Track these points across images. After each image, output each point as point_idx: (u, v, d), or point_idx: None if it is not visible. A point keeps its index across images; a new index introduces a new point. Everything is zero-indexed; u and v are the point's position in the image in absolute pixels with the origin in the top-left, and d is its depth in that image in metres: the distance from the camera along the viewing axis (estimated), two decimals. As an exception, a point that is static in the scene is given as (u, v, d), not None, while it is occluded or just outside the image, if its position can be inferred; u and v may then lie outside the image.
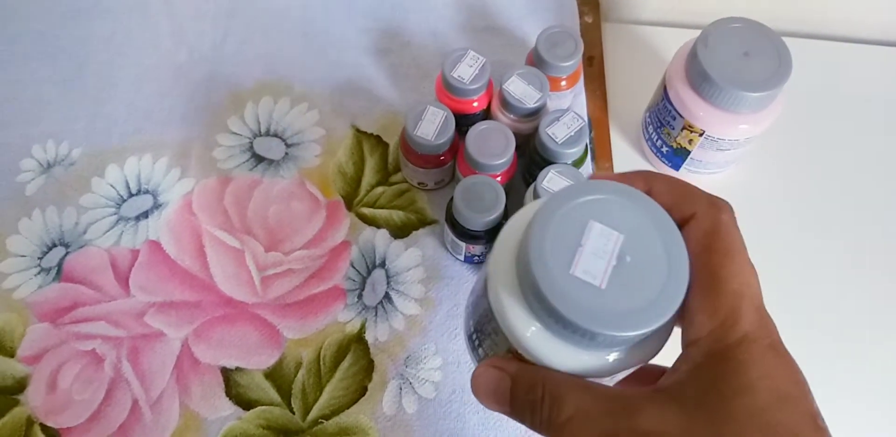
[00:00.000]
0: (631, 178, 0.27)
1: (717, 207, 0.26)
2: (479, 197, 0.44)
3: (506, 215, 0.46)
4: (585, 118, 0.48)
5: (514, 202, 0.51)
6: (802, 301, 0.50)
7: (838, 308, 0.50)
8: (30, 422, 0.45)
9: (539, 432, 0.26)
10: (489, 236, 0.46)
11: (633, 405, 0.24)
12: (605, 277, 0.25)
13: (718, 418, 0.23)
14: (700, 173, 0.52)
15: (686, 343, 0.26)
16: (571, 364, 0.26)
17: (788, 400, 0.24)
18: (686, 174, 0.52)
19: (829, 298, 0.50)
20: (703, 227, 0.26)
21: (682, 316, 0.26)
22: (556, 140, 0.46)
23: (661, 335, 0.26)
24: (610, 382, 0.28)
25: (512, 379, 0.26)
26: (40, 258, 0.49)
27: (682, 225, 0.26)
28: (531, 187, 0.46)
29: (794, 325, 0.49)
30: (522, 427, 0.44)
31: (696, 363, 0.25)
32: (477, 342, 0.30)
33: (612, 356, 0.26)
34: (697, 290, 0.25)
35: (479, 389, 0.27)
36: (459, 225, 0.45)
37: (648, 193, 0.27)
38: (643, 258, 0.25)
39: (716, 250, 0.25)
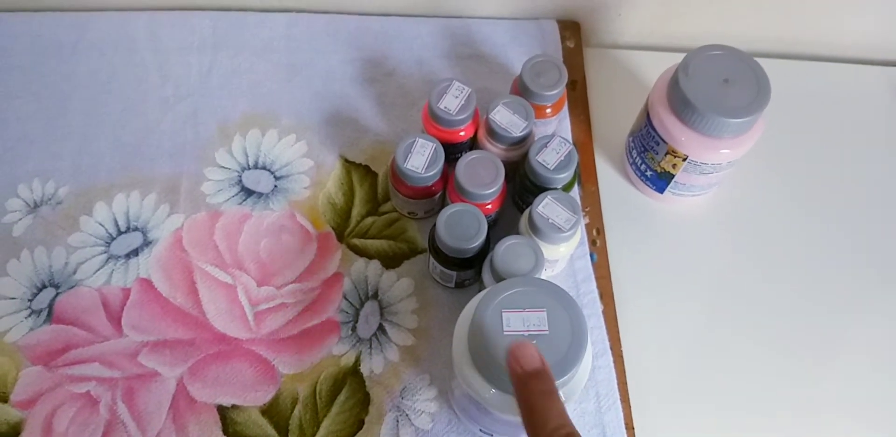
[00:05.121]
0: None
1: None
2: (462, 225, 0.45)
3: (489, 242, 0.46)
4: (571, 143, 0.49)
5: (505, 228, 0.51)
6: (787, 318, 0.51)
7: (822, 324, 0.51)
8: (26, 468, 0.44)
9: None
10: (476, 260, 0.46)
11: None
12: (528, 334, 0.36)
13: None
14: (684, 196, 0.53)
15: None
16: None
17: None
18: (670, 197, 0.53)
19: (814, 315, 0.51)
20: None
21: None
22: (548, 166, 0.47)
23: (577, 382, 0.38)
24: None
25: None
26: (30, 300, 0.49)
27: None
28: (526, 213, 0.46)
29: (777, 342, 0.50)
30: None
31: None
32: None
33: None
34: None
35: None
36: (444, 254, 0.46)
37: None
38: (555, 329, 0.36)
39: None
